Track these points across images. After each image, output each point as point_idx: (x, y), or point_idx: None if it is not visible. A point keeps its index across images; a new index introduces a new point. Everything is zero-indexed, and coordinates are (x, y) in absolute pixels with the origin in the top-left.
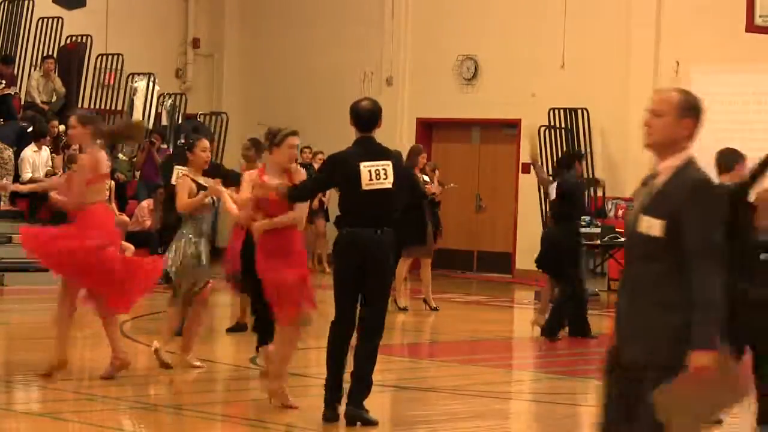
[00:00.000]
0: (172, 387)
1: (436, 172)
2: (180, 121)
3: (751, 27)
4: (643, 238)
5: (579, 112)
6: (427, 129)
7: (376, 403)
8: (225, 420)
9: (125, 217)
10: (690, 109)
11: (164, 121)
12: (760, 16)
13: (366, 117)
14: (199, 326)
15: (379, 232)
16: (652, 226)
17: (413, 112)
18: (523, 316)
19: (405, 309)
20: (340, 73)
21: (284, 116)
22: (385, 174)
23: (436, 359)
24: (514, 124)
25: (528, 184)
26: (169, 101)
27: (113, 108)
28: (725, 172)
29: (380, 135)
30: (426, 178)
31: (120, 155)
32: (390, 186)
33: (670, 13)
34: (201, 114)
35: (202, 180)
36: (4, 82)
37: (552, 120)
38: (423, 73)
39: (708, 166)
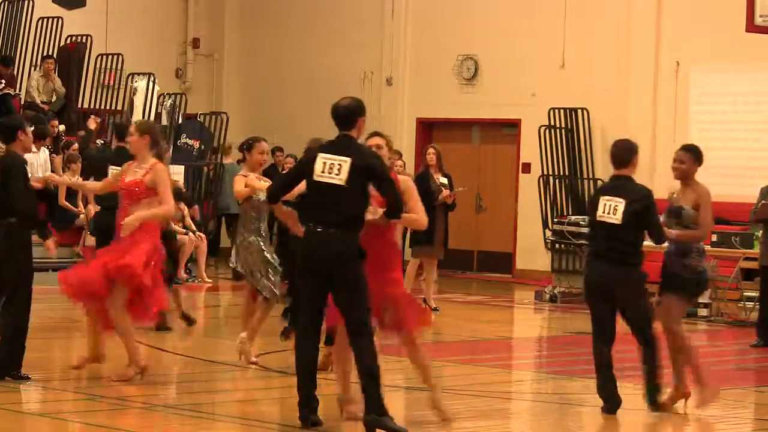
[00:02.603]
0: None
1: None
2: (180, 121)
3: (751, 27)
4: None
5: (579, 112)
6: (427, 129)
7: None
8: (226, 420)
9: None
10: None
11: (164, 121)
12: (760, 16)
13: (340, 115)
14: (264, 320)
15: (322, 229)
16: None
17: (413, 112)
18: (524, 316)
19: None
20: (340, 73)
21: (284, 116)
22: (339, 169)
23: (436, 359)
24: (514, 124)
25: (528, 184)
26: (169, 101)
27: (113, 108)
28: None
29: None
30: (444, 180)
31: None
32: (340, 182)
33: (670, 13)
34: (201, 114)
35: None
36: (4, 82)
37: (552, 120)
38: (423, 73)
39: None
